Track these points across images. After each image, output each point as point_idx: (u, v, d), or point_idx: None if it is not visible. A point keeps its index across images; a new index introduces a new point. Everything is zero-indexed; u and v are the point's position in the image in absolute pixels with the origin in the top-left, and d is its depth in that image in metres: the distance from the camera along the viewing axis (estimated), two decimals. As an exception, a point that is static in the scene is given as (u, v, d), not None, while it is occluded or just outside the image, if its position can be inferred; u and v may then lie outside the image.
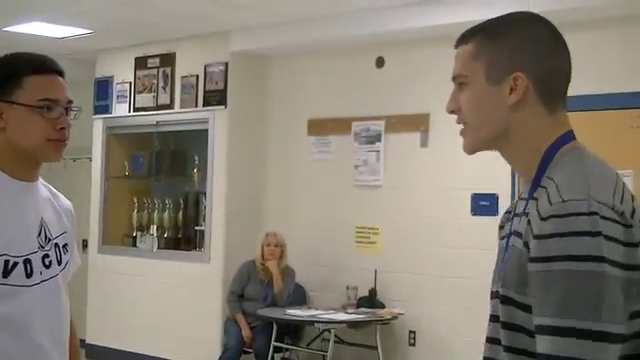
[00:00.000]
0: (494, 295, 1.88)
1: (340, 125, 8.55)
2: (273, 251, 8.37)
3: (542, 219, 1.71)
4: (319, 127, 8.75)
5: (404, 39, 8.01)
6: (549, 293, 1.66)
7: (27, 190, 2.77)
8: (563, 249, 1.66)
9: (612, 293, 1.65)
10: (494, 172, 7.42)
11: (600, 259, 1.64)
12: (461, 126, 1.99)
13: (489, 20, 1.99)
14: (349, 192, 8.48)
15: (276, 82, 9.16)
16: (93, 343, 10.05)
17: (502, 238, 2.00)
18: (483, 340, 1.97)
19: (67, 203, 2.97)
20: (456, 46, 2.00)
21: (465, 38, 1.98)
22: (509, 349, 1.80)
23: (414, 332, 8.03)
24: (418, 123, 8.04)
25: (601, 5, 6.66)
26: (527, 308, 1.74)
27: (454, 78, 1.97)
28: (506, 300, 1.80)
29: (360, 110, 8.43)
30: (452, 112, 1.98)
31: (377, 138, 8.30)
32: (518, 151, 1.92)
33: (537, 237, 1.70)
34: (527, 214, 1.79)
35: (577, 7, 6.65)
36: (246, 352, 8.24)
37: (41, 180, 2.91)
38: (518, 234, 1.80)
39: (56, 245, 2.77)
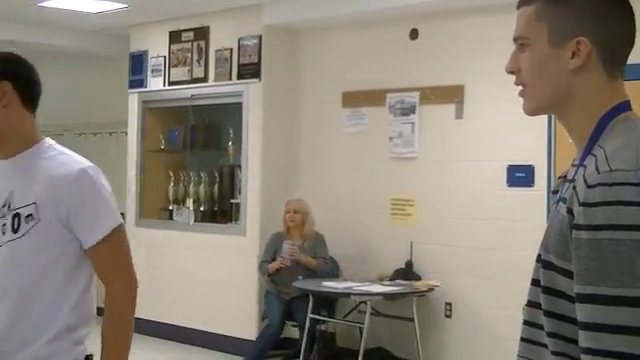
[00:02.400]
0: (538, 258, 1.87)
1: (374, 97, 8.53)
2: (293, 217, 8.40)
3: (589, 187, 1.70)
4: (353, 99, 8.74)
5: (438, 10, 7.96)
6: (592, 261, 1.65)
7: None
8: (609, 218, 1.65)
9: None
10: (530, 143, 7.39)
11: None
12: (519, 88, 1.97)
13: None
14: (384, 164, 8.47)
15: (310, 54, 9.14)
16: (131, 316, 10.13)
17: (554, 203, 1.99)
18: (519, 311, 1.97)
19: (65, 172, 3.00)
20: (518, 6, 1.95)
21: None
22: (548, 313, 1.79)
23: (450, 304, 8.03)
24: (453, 95, 8.00)
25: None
26: (568, 274, 1.73)
27: (515, 39, 1.94)
28: (547, 264, 1.80)
29: (394, 82, 8.41)
30: (511, 72, 1.95)
31: (412, 110, 8.28)
32: (576, 117, 1.90)
33: (583, 204, 1.69)
34: (574, 180, 1.78)
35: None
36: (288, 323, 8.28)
37: (58, 150, 3.15)
38: (564, 200, 1.79)
39: (16, 215, 2.89)
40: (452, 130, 8.03)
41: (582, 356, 1.66)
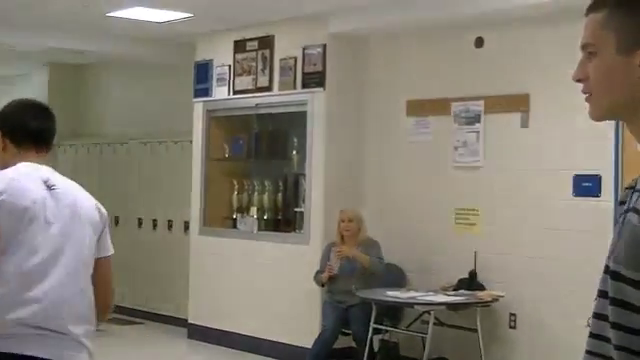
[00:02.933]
0: (605, 270, 1.84)
1: (439, 106, 8.50)
2: (348, 227, 8.39)
3: None
4: (418, 108, 8.71)
5: (503, 18, 7.91)
6: None
7: None
8: None
9: None
10: (597, 153, 7.30)
11: None
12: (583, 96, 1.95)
13: None
14: (448, 173, 8.43)
15: (374, 63, 9.14)
16: (194, 323, 10.21)
17: (621, 214, 1.96)
18: (585, 323, 1.94)
19: None
20: (587, 13, 1.92)
21: (596, 6, 1.90)
22: (616, 326, 1.76)
23: (515, 315, 7.95)
24: (518, 103, 7.94)
25: None
26: (637, 284, 1.70)
27: (583, 46, 1.91)
28: (616, 276, 1.76)
29: (459, 90, 8.37)
30: (579, 80, 1.92)
31: (476, 119, 8.23)
32: None
33: None
34: None
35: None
36: (344, 333, 8.27)
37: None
38: (636, 210, 1.76)
39: None
40: (517, 139, 7.97)
41: None
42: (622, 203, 1.95)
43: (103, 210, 3.77)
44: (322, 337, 8.23)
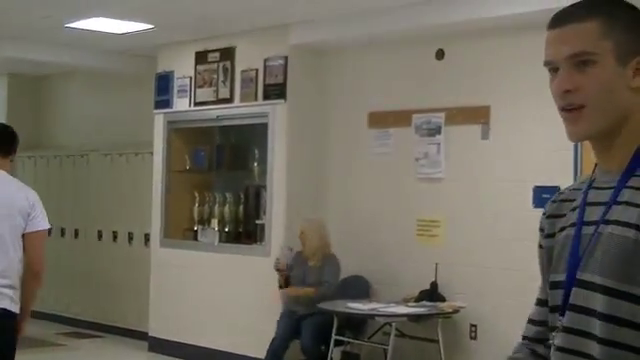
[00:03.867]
0: (577, 284, 1.83)
1: (400, 118, 8.52)
2: (300, 238, 8.47)
3: None
4: (379, 120, 8.73)
5: (464, 31, 7.95)
6: None
7: None
8: None
9: None
10: (556, 164, 7.35)
11: None
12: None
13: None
14: (410, 185, 8.45)
15: (336, 75, 9.15)
16: (155, 335, 10.15)
17: (562, 229, 1.96)
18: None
19: None
20: (563, 23, 1.88)
21: (583, 15, 1.87)
22: (607, 342, 1.75)
23: (475, 326, 7.98)
24: (479, 115, 7.98)
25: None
26: (635, 299, 1.70)
27: (573, 55, 1.85)
28: (604, 290, 1.76)
29: (420, 102, 8.39)
30: (567, 91, 1.85)
31: (438, 131, 8.26)
32: (625, 139, 1.86)
33: None
34: (632, 204, 1.76)
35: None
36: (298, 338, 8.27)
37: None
38: (622, 223, 1.76)
39: None
40: (478, 151, 8.00)
41: None
42: (556, 217, 1.95)
43: (30, 197, 5.08)
44: (272, 346, 8.24)
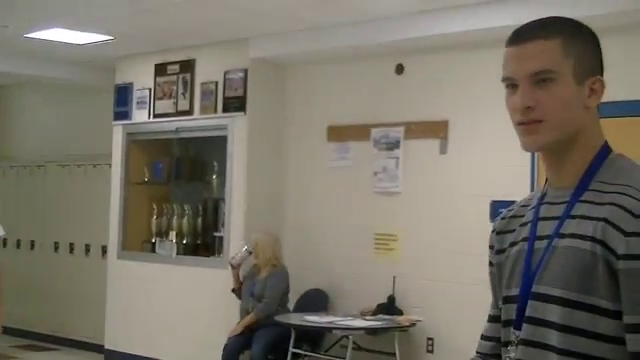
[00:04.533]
0: (533, 297, 1.86)
1: (359, 132, 8.56)
2: (254, 250, 8.49)
3: (638, 216, 1.72)
4: (338, 134, 8.76)
5: (424, 46, 8.01)
6: None
7: None
8: None
9: None
10: (513, 179, 7.41)
11: None
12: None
13: (560, 18, 1.94)
14: (368, 199, 8.48)
15: (295, 89, 9.17)
16: (112, 349, 10.09)
17: (512, 244, 2.00)
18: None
19: None
20: (528, 39, 1.91)
21: (546, 33, 1.90)
22: (566, 352, 1.78)
23: (432, 339, 8.02)
24: (437, 130, 8.03)
25: (632, 10, 6.61)
26: (593, 309, 1.73)
27: (537, 73, 1.88)
28: (561, 301, 1.79)
29: (379, 117, 8.44)
30: (528, 107, 1.88)
31: (396, 145, 8.30)
32: (577, 155, 1.90)
33: (638, 234, 1.71)
34: (587, 217, 1.80)
35: (608, 13, 6.59)
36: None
37: None
38: (578, 235, 1.79)
39: None
40: (436, 165, 8.05)
41: None
42: (506, 232, 1.99)
43: None
44: (223, 355, 8.24)
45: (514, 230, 2.02)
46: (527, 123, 1.89)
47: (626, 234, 1.71)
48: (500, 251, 2.06)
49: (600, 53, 1.93)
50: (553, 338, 1.79)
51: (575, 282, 1.77)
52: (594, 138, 1.91)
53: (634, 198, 1.75)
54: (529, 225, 1.96)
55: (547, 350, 1.80)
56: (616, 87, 6.44)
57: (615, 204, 1.77)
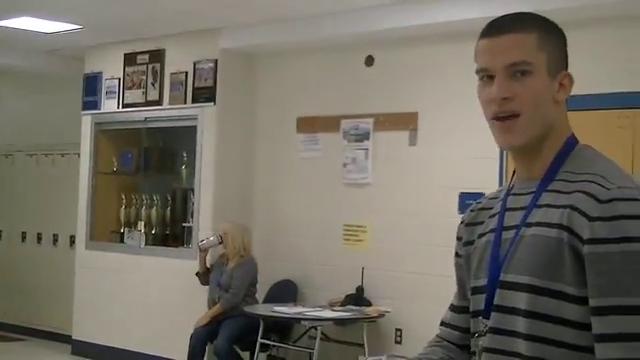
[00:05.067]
0: (501, 285, 1.88)
1: (329, 123, 8.57)
2: (223, 239, 8.49)
3: (602, 202, 1.74)
4: (308, 125, 8.76)
5: (394, 38, 8.03)
6: (628, 272, 1.69)
7: None
8: (635, 230, 1.70)
9: None
10: (482, 171, 7.44)
11: None
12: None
13: (532, 13, 1.98)
14: (337, 190, 8.50)
15: (265, 79, 9.16)
16: (79, 339, 10.05)
17: (481, 236, 2.03)
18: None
19: None
20: (504, 31, 1.93)
21: (523, 27, 1.93)
22: (532, 338, 1.80)
23: (400, 330, 8.05)
24: (407, 122, 8.05)
25: (591, 5, 6.66)
26: (557, 294, 1.76)
27: (513, 64, 1.90)
28: (528, 288, 1.81)
29: (349, 108, 8.45)
30: (505, 99, 1.90)
31: (366, 136, 8.32)
32: (546, 149, 1.93)
33: (601, 219, 1.73)
34: (553, 205, 1.82)
35: (567, 7, 6.64)
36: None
37: None
38: (544, 224, 1.82)
39: None
40: (405, 157, 8.08)
41: None
42: (475, 224, 2.02)
43: None
44: (189, 345, 8.26)
45: (483, 222, 2.05)
46: (503, 117, 1.91)
47: (591, 219, 1.74)
48: (468, 243, 2.08)
49: (566, 49, 1.98)
50: (520, 324, 1.82)
51: (542, 269, 1.79)
52: (563, 131, 1.95)
53: (599, 185, 1.78)
54: (497, 216, 1.99)
55: (514, 337, 1.83)
56: (583, 81, 6.52)
57: (581, 191, 1.80)
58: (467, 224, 2.09)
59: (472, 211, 2.11)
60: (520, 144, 1.94)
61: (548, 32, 1.94)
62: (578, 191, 1.80)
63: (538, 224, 1.82)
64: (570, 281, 1.75)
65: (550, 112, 1.92)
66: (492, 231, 1.98)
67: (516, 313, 1.83)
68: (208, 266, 8.57)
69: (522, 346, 1.82)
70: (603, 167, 1.84)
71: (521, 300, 1.82)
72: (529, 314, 1.80)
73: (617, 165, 1.87)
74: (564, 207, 1.80)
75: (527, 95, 1.90)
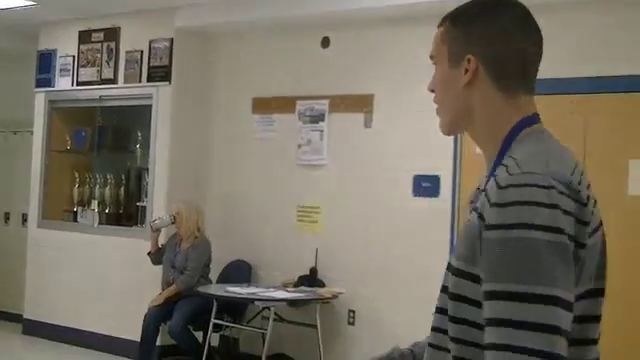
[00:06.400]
0: (447, 267, 1.91)
1: (284, 104, 8.56)
2: (176, 219, 8.47)
3: (500, 188, 1.75)
4: (263, 105, 8.75)
5: (350, 20, 8.03)
6: (502, 258, 1.70)
7: None
8: (520, 217, 1.70)
9: (569, 262, 1.70)
10: (437, 154, 7.48)
11: (558, 230, 1.69)
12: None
13: (463, 4, 2.04)
14: (292, 171, 8.50)
15: (221, 59, 9.13)
16: (31, 318, 9.98)
17: (471, 212, 2.04)
18: (423, 319, 2.00)
19: None
20: (438, 27, 2.07)
21: (442, 21, 2.05)
22: (454, 319, 1.83)
23: (354, 311, 8.08)
24: (362, 104, 8.07)
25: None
26: (474, 278, 1.77)
27: (430, 58, 2.06)
28: (455, 271, 1.84)
29: (305, 89, 8.45)
30: (432, 91, 2.05)
31: (321, 118, 8.32)
32: (482, 132, 1.98)
33: (494, 205, 1.74)
34: (485, 190, 1.83)
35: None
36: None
37: None
38: (475, 209, 1.84)
39: None
40: (361, 139, 8.09)
41: (486, 352, 1.70)
42: (472, 203, 2.04)
43: None
44: (143, 325, 8.25)
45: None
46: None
47: (491, 205, 1.75)
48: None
49: (479, 32, 1.95)
50: (448, 305, 1.85)
51: (464, 253, 1.82)
52: (492, 117, 1.95)
53: (506, 170, 1.79)
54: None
55: (445, 315, 1.86)
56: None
57: (494, 175, 1.83)
58: (471, 202, 2.11)
59: (477, 189, 2.13)
60: (444, 131, 2.06)
61: (453, 21, 2.01)
62: (493, 175, 1.83)
63: (474, 209, 1.86)
64: (482, 266, 1.77)
65: (461, 98, 1.96)
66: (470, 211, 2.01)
67: (447, 293, 1.87)
68: (159, 246, 8.54)
69: (450, 327, 1.86)
70: (524, 151, 1.85)
71: (450, 281, 1.86)
72: (453, 296, 1.84)
73: (550, 150, 1.87)
74: (484, 193, 1.83)
75: (436, 86, 2.03)
